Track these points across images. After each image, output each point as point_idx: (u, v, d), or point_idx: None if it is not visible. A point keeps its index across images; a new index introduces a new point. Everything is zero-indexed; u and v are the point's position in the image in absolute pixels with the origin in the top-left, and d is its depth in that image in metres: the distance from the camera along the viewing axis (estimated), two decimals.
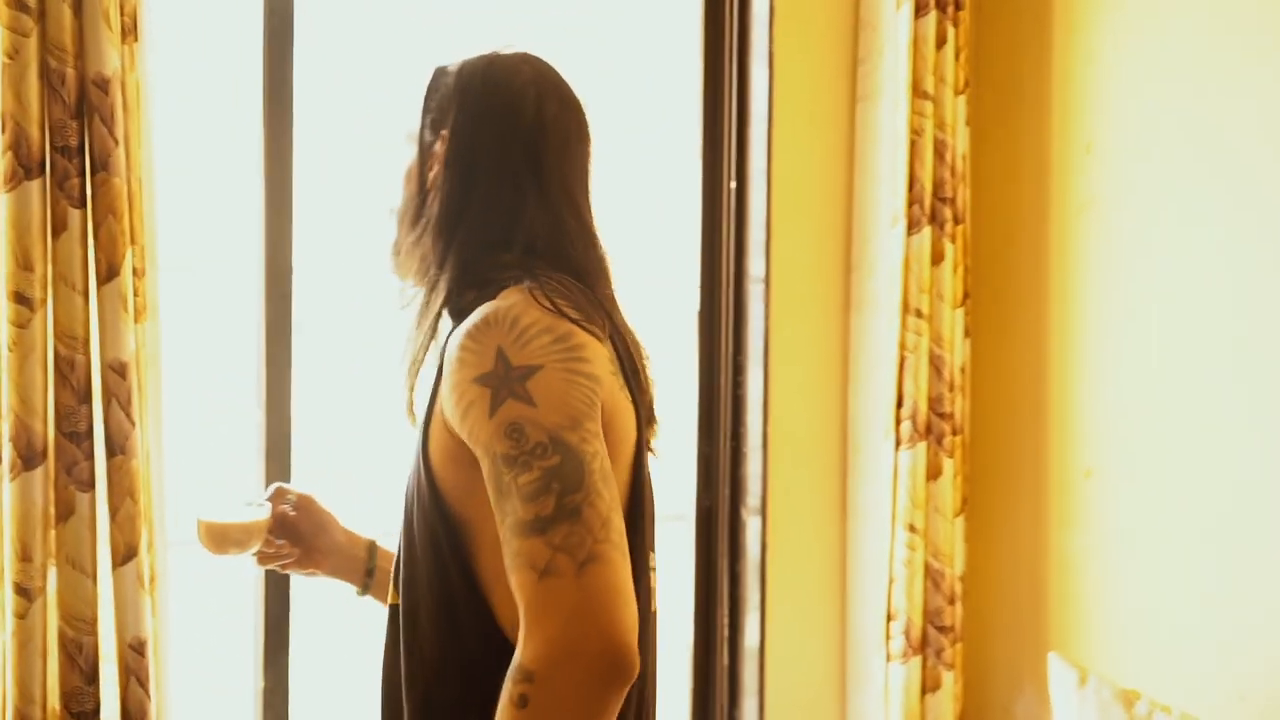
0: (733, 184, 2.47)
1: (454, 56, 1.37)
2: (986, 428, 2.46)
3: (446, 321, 1.31)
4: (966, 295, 2.41)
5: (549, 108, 1.33)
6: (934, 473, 2.37)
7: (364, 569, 1.55)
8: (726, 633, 2.50)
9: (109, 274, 1.76)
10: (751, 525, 2.47)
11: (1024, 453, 2.41)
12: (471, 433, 1.18)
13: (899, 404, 2.36)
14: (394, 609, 1.31)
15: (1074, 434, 2.32)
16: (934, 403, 2.37)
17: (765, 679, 2.45)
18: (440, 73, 1.36)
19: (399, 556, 1.31)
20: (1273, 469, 2.02)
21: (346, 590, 1.59)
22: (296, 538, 1.53)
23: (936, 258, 2.36)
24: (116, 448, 1.77)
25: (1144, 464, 2.21)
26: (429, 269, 1.33)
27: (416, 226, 1.33)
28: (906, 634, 2.36)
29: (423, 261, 1.33)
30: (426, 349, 1.32)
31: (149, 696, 1.80)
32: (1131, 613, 2.23)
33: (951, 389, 2.38)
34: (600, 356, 1.23)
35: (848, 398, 2.48)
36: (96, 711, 1.77)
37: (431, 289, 1.32)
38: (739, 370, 2.49)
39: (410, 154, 1.36)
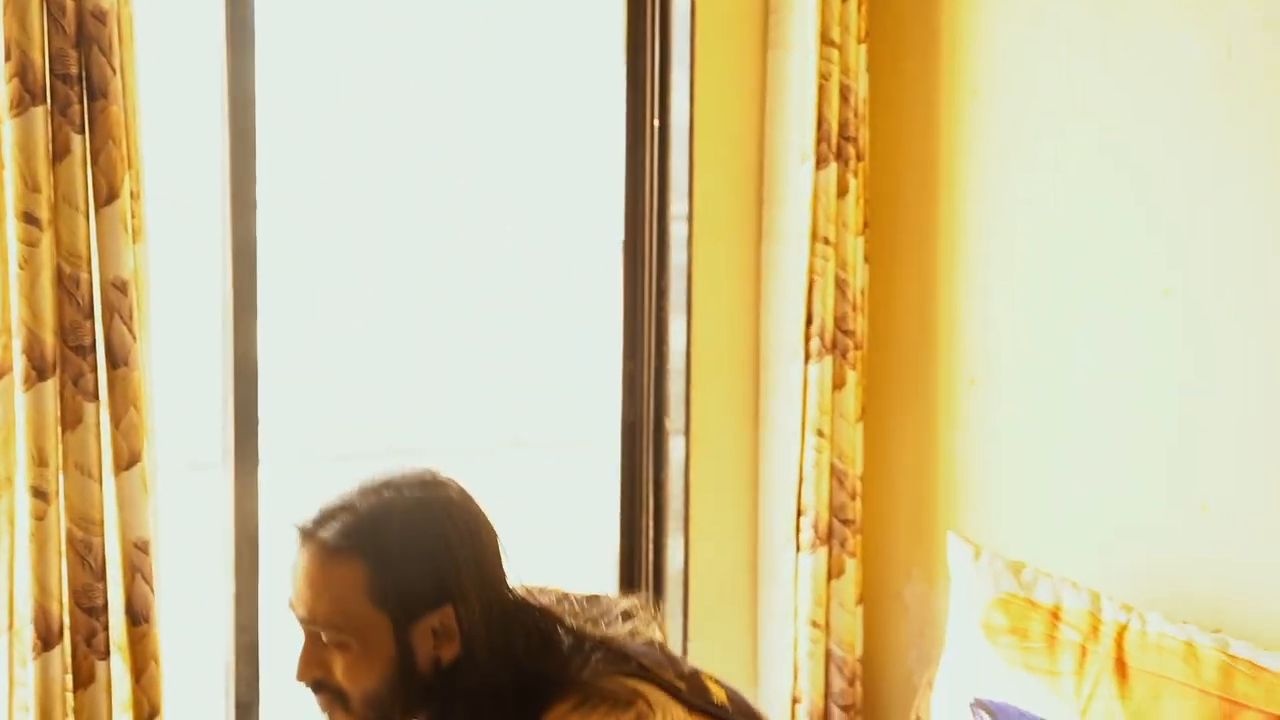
0: (657, 123, 2.69)
1: (353, 524, 1.29)
2: (882, 343, 2.76)
3: None
4: (866, 224, 2.69)
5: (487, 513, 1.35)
6: (839, 383, 2.66)
7: None
8: (652, 535, 2.75)
9: (109, 196, 1.87)
10: (675, 442, 2.71)
11: (915, 364, 2.72)
12: None
13: (808, 322, 2.63)
14: None
15: (959, 347, 2.64)
16: (839, 321, 2.65)
17: (689, 575, 2.71)
18: (381, 560, 1.28)
19: None
20: (1127, 373, 2.36)
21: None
22: None
23: (841, 191, 2.63)
24: (119, 360, 1.89)
25: (1018, 372, 2.54)
26: None
27: (422, 706, 1.28)
28: (815, 527, 2.64)
29: None
30: None
31: (153, 591, 1.94)
32: (1010, 502, 2.56)
33: (854, 309, 2.66)
34: (663, 704, 1.28)
35: (760, 318, 2.74)
36: (105, 606, 1.90)
37: None
38: (662, 295, 2.72)
39: (354, 641, 1.28)
